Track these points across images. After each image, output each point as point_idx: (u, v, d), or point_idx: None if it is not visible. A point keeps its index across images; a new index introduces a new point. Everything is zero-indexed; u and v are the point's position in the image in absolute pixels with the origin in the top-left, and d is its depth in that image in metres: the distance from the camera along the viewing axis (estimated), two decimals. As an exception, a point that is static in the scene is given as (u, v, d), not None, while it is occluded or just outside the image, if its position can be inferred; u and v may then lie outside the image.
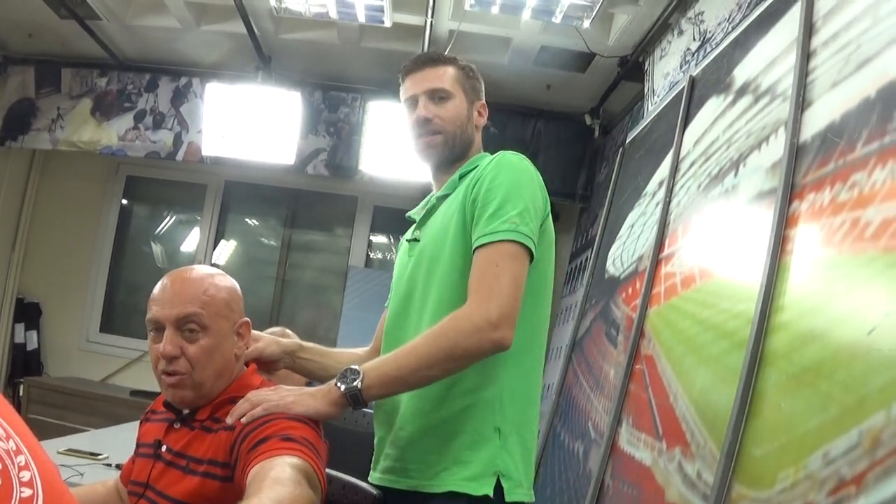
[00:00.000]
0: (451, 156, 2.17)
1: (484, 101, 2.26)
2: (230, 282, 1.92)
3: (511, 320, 1.80)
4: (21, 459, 0.83)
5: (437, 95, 2.16)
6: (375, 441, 2.11)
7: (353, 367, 1.82)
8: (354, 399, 1.79)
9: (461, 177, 2.11)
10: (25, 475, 0.82)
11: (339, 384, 1.79)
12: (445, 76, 2.17)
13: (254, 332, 2.04)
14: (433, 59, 2.21)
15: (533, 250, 1.89)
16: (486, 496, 1.84)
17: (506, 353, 1.87)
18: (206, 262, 6.74)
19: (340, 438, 1.85)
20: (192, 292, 1.80)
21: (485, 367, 1.90)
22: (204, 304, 1.79)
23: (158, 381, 1.83)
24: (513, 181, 1.95)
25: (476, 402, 1.92)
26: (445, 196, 2.13)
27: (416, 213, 2.27)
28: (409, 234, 2.25)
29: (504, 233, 1.86)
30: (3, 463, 0.80)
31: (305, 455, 1.55)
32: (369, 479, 2.07)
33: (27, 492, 0.80)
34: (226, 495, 1.63)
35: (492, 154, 2.11)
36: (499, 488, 1.86)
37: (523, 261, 1.87)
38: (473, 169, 2.09)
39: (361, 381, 1.78)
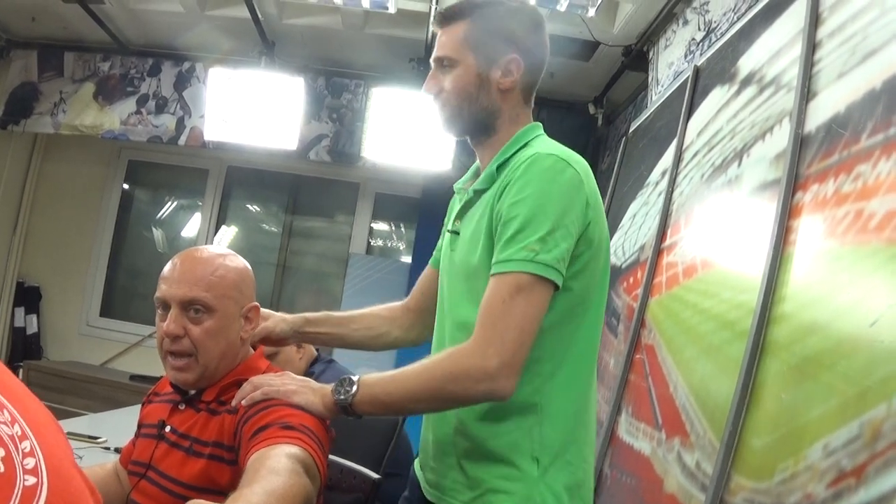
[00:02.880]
0: (468, 129, 1.96)
1: (517, 53, 1.88)
2: (241, 263, 1.92)
3: (511, 370, 1.63)
4: (26, 445, 0.82)
5: (444, 63, 1.91)
6: (421, 436, 2.01)
7: (351, 377, 1.75)
8: (345, 410, 1.73)
9: (499, 167, 1.85)
10: (30, 462, 0.81)
11: (334, 393, 1.74)
12: (453, 39, 1.89)
13: (263, 310, 2.02)
14: (447, 17, 1.93)
15: (555, 280, 1.66)
16: None
17: (542, 377, 1.75)
18: (207, 248, 6.74)
19: (348, 425, 1.84)
20: (200, 273, 1.80)
21: (520, 394, 1.70)
22: (211, 286, 1.79)
23: (162, 361, 1.83)
24: (539, 196, 1.70)
25: (512, 431, 1.76)
26: (483, 190, 1.87)
27: (459, 190, 2.03)
28: (449, 224, 2.02)
29: (519, 262, 1.65)
30: (6, 449, 0.79)
31: (305, 444, 1.55)
32: (415, 470, 2.03)
33: (31, 480, 0.79)
34: (233, 478, 1.63)
35: (536, 137, 1.90)
36: None
37: (538, 295, 1.66)
38: (509, 159, 1.85)
39: (353, 396, 1.72)
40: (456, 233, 1.96)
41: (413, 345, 2.19)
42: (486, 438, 1.77)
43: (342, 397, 1.72)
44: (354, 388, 1.72)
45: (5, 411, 0.84)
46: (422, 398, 1.71)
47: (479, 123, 1.92)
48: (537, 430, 1.75)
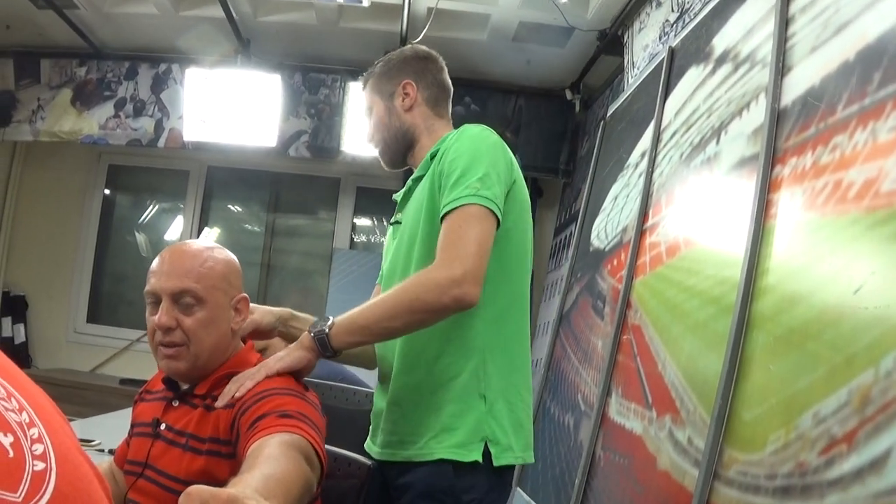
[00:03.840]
0: (398, 152, 2.32)
1: (408, 78, 2.29)
2: (229, 256, 1.94)
3: (475, 278, 1.84)
4: (34, 432, 0.83)
5: (368, 114, 2.37)
6: (372, 412, 2.18)
7: (327, 315, 1.93)
8: (322, 344, 1.88)
9: (432, 156, 2.14)
10: (38, 448, 0.82)
11: (310, 330, 1.90)
12: (366, 95, 2.38)
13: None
14: (364, 81, 2.41)
15: (497, 213, 1.92)
16: (476, 462, 1.90)
17: (484, 322, 1.98)
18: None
19: (336, 416, 1.87)
20: (189, 265, 1.82)
21: (465, 339, 1.98)
22: (200, 277, 1.81)
23: (154, 354, 1.85)
24: (472, 150, 2.00)
25: (460, 373, 1.97)
26: (420, 177, 2.17)
27: (398, 195, 2.33)
28: (393, 218, 2.32)
29: (466, 197, 1.91)
30: (15, 435, 0.80)
31: (302, 431, 1.56)
32: (366, 448, 2.15)
33: (40, 465, 0.80)
34: (233, 472, 1.61)
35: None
36: (487, 454, 1.92)
37: (487, 222, 1.91)
38: (441, 150, 2.12)
39: (330, 328, 1.87)
40: (398, 223, 2.26)
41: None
42: (438, 386, 2.00)
43: (318, 329, 1.89)
44: (330, 321, 1.91)
45: (13, 399, 0.85)
46: (397, 313, 1.87)
47: (400, 142, 2.30)
48: (482, 369, 1.98)
